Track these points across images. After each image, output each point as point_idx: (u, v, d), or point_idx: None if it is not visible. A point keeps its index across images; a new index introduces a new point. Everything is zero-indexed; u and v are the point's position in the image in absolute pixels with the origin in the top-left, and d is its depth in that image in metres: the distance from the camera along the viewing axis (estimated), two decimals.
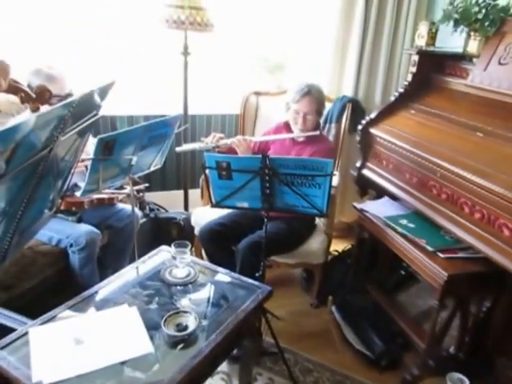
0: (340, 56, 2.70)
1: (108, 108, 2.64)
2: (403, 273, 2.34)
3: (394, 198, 2.10)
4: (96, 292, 1.50)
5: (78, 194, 1.76)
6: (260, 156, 1.54)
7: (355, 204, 2.13)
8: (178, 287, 1.55)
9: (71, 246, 1.96)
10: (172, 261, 1.61)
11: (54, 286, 2.03)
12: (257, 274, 1.75)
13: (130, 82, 2.75)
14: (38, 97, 1.13)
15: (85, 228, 1.99)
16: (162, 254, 1.75)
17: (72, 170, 1.16)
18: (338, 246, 2.63)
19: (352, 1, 2.61)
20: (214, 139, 2.05)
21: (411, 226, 1.87)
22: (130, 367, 1.18)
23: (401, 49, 2.72)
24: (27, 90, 1.11)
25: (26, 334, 1.25)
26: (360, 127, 2.20)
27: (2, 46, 2.31)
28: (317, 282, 2.33)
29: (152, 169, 1.94)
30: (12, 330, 1.33)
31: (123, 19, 2.62)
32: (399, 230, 1.84)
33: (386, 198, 2.17)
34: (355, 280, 2.30)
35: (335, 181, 2.28)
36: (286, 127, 2.16)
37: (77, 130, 0.93)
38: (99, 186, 1.69)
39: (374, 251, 2.31)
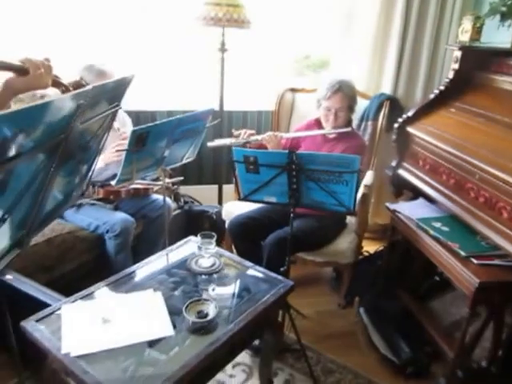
0: (379, 52, 2.66)
1: (148, 103, 2.81)
2: (437, 279, 2.28)
3: (429, 199, 2.05)
4: (125, 276, 1.61)
5: (113, 183, 1.87)
6: (287, 151, 1.57)
7: (388, 204, 2.11)
8: (203, 276, 1.62)
9: (107, 232, 2.09)
10: (198, 251, 1.68)
11: (90, 270, 2.17)
12: (281, 269, 1.78)
13: (170, 78, 2.86)
14: (77, 88, 1.23)
15: (120, 216, 2.11)
16: (190, 244, 1.83)
17: (97, 159, 1.25)
18: (371, 248, 2.61)
19: None
20: (245, 135, 2.10)
21: (445, 229, 1.83)
22: (151, 348, 1.26)
23: (445, 44, 2.64)
24: (67, 84, 1.21)
25: (59, 309, 1.37)
26: (396, 125, 2.17)
27: (50, 43, 2.50)
28: (345, 282, 2.33)
29: (184, 161, 2.02)
30: (48, 306, 1.46)
31: (163, 17, 2.73)
32: (432, 232, 1.81)
33: (421, 200, 2.13)
34: (385, 283, 2.27)
35: (369, 180, 2.27)
36: (318, 124, 2.18)
37: (96, 119, 1.01)
38: (133, 176, 1.78)
39: (406, 254, 2.27)
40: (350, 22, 2.68)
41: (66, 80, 1.24)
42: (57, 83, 1.19)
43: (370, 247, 2.63)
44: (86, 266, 2.18)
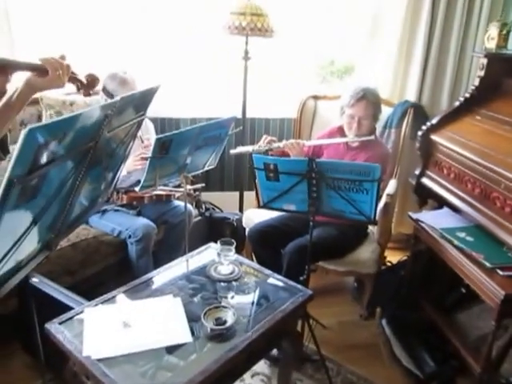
0: (404, 59, 2.64)
1: (172, 110, 2.88)
2: (463, 291, 2.23)
3: (454, 209, 2.02)
4: (146, 281, 1.64)
5: (136, 189, 1.92)
6: (307, 159, 1.58)
7: (411, 213, 2.08)
8: (222, 283, 1.64)
9: (129, 237, 2.14)
10: (218, 258, 1.70)
11: (113, 274, 2.23)
12: (301, 278, 1.78)
13: (194, 85, 2.92)
14: (89, 84, 1.30)
15: (142, 221, 2.17)
16: (210, 250, 1.86)
17: (122, 166, 1.29)
18: (396, 258, 2.57)
19: (418, 0, 2.55)
20: (266, 141, 2.12)
21: (469, 239, 1.79)
22: (170, 353, 1.28)
23: (471, 51, 2.60)
24: (82, 79, 1.28)
25: (81, 312, 1.41)
26: (420, 133, 2.15)
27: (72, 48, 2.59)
28: (367, 292, 2.30)
29: (206, 168, 2.05)
30: (71, 309, 1.51)
31: (188, 25, 2.79)
32: (456, 242, 1.77)
33: (445, 209, 2.09)
34: (409, 294, 2.23)
35: (391, 189, 2.25)
36: (340, 132, 2.17)
37: (123, 127, 1.05)
38: (156, 182, 1.83)
39: (431, 265, 2.23)
40: (375, 28, 2.67)
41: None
42: (73, 79, 1.25)
43: (393, 257, 2.59)
44: (108, 270, 2.24)
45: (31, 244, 0.85)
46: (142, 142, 2.10)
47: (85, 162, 0.84)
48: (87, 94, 1.30)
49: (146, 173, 1.75)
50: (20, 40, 2.38)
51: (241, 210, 3.00)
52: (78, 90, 1.29)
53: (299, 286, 1.61)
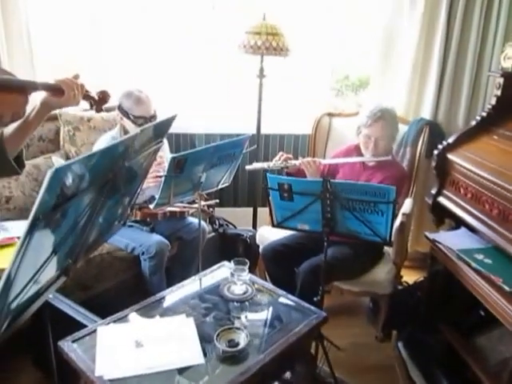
0: (419, 76, 2.64)
1: (187, 126, 2.92)
2: (482, 313, 2.18)
3: (472, 229, 1.99)
4: (159, 300, 1.65)
5: (151, 206, 1.95)
6: (321, 179, 1.58)
7: (427, 234, 2.06)
8: (235, 303, 1.64)
9: (143, 253, 2.16)
10: (231, 277, 1.70)
11: (126, 290, 2.24)
12: (315, 299, 1.77)
13: (208, 102, 2.97)
14: (101, 100, 1.35)
15: (156, 238, 2.19)
16: (224, 269, 1.86)
17: (138, 189, 1.32)
18: (412, 277, 2.54)
19: (433, 17, 2.56)
20: (282, 158, 2.13)
21: (488, 261, 1.76)
22: (182, 375, 1.28)
23: (488, 68, 2.59)
24: (94, 96, 1.33)
25: (94, 331, 1.43)
26: (436, 152, 2.13)
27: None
28: (383, 313, 2.27)
29: (220, 186, 2.08)
30: (84, 326, 1.53)
31: (204, 42, 2.85)
32: (473, 265, 1.74)
33: (463, 229, 2.06)
34: (426, 316, 2.20)
35: (407, 208, 2.23)
36: (357, 151, 2.17)
37: (141, 156, 1.08)
38: (170, 200, 1.86)
39: (448, 286, 2.19)
40: (390, 44, 2.68)
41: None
42: (86, 97, 1.30)
43: (410, 277, 2.55)
44: (121, 286, 2.25)
45: (50, 272, 0.87)
46: (155, 159, 2.13)
47: (104, 192, 0.87)
48: (99, 110, 1.34)
49: (160, 191, 1.78)
50: (39, 59, 2.46)
51: (254, 226, 3.01)
52: (91, 106, 1.34)
53: (313, 308, 1.60)
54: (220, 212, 3.00)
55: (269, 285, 1.77)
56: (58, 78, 1.20)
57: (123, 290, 2.25)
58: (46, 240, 0.77)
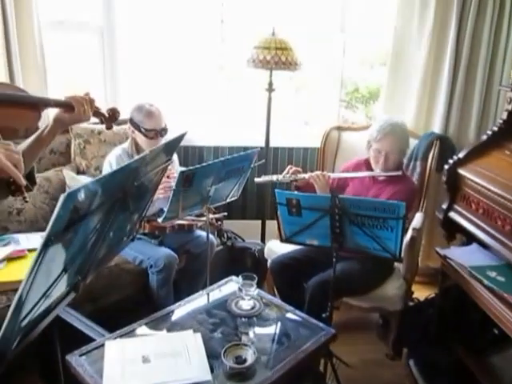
0: (429, 90, 2.65)
1: (196, 139, 2.95)
2: (496, 332, 2.15)
3: (484, 245, 1.97)
4: (167, 314, 1.66)
5: (159, 220, 1.97)
6: (329, 195, 1.59)
7: (438, 249, 2.04)
8: (243, 319, 1.64)
9: (151, 266, 2.17)
10: (239, 292, 1.70)
11: (133, 302, 2.25)
12: (323, 315, 1.77)
13: (217, 114, 3.01)
14: (111, 117, 1.38)
15: (164, 251, 2.20)
16: (231, 284, 1.87)
17: (147, 206, 1.34)
18: (423, 293, 2.51)
19: (444, 31, 2.58)
20: (291, 171, 2.14)
21: (500, 279, 1.74)
22: None
23: (498, 83, 2.59)
24: (104, 113, 1.37)
25: (102, 345, 1.44)
26: (447, 167, 2.13)
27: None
28: (393, 330, 2.25)
29: (228, 200, 2.09)
30: (92, 339, 1.54)
31: (214, 57, 2.90)
32: (485, 282, 1.73)
33: (474, 245, 2.04)
34: (438, 333, 2.17)
35: (418, 222, 2.22)
36: (367, 165, 2.18)
37: (151, 174, 1.10)
38: (179, 213, 1.88)
39: (460, 303, 2.17)
40: (400, 57, 2.69)
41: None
42: (97, 113, 1.34)
43: (421, 292, 2.53)
44: (129, 298, 2.26)
45: (60, 288, 0.89)
46: (165, 175, 2.16)
47: (114, 211, 0.89)
48: (109, 127, 1.38)
49: (169, 204, 1.79)
50: (52, 74, 2.52)
51: (263, 239, 3.01)
52: (102, 122, 1.38)
53: (321, 325, 1.60)
54: (228, 224, 3.00)
55: (277, 300, 1.77)
56: (68, 95, 1.24)
57: (130, 302, 2.26)
58: (57, 259, 0.79)
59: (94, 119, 1.35)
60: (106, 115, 1.36)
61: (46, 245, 0.70)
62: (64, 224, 0.73)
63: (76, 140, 2.52)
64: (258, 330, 1.60)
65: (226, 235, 2.91)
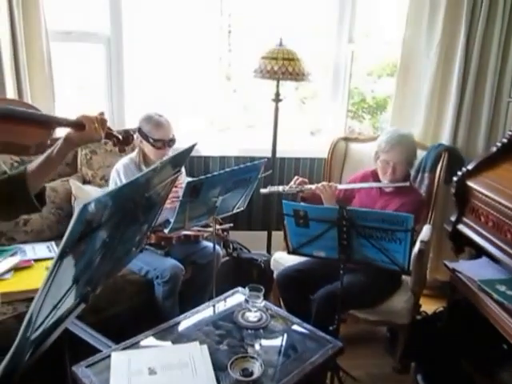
0: (437, 101, 2.66)
1: (202, 149, 2.98)
2: (505, 347, 2.13)
3: (494, 259, 1.97)
4: (173, 325, 1.67)
5: (166, 230, 1.98)
6: (337, 207, 1.60)
7: (447, 262, 2.05)
8: (249, 331, 1.64)
9: (157, 277, 2.18)
10: (245, 304, 1.71)
11: (138, 313, 2.26)
12: (330, 328, 1.77)
13: (224, 125, 3.04)
14: (124, 141, 1.39)
15: (170, 262, 2.21)
16: (238, 295, 1.87)
17: (157, 216, 1.36)
18: (431, 306, 2.50)
19: (452, 41, 2.59)
20: (297, 182, 2.16)
21: (510, 293, 1.74)
22: None
23: (508, 94, 2.60)
24: (118, 135, 1.38)
25: (108, 356, 1.45)
26: (455, 178, 2.14)
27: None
28: (401, 344, 2.24)
29: (235, 211, 2.11)
30: (97, 350, 1.55)
31: (220, 67, 2.94)
32: (495, 296, 1.73)
33: (484, 259, 2.05)
34: (446, 348, 2.16)
35: (426, 235, 2.22)
36: (374, 176, 2.19)
37: (160, 186, 1.12)
38: (185, 224, 1.90)
39: (469, 317, 2.16)
40: (408, 68, 2.71)
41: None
42: (109, 135, 1.35)
43: (429, 306, 2.52)
44: (134, 309, 2.27)
45: (70, 300, 0.90)
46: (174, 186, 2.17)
47: (124, 223, 0.91)
48: (122, 150, 1.39)
49: (175, 215, 1.82)
50: (59, 85, 2.57)
51: (268, 250, 3.02)
52: (115, 145, 1.38)
53: (328, 337, 1.60)
54: (234, 235, 3.01)
55: (283, 312, 1.78)
56: (79, 114, 1.25)
57: (135, 313, 2.26)
58: (68, 271, 0.80)
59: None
60: (120, 138, 1.36)
61: (61, 256, 0.71)
62: (78, 235, 0.74)
63: (82, 150, 2.56)
64: (265, 342, 1.60)
65: (231, 246, 2.92)
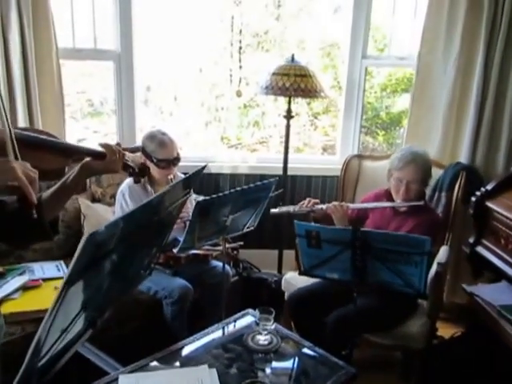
0: (455, 118, 2.66)
1: (213, 167, 3.03)
2: None
3: None
4: (182, 348, 1.69)
5: (175, 250, 2.01)
6: (350, 228, 1.62)
7: (465, 286, 2.04)
8: (259, 354, 1.65)
9: (165, 297, 2.21)
10: (256, 326, 1.72)
11: (148, 334, 2.28)
12: (343, 353, 1.77)
13: (235, 142, 3.10)
14: (140, 172, 1.42)
15: (179, 282, 2.23)
16: (248, 317, 1.89)
17: (166, 238, 1.36)
18: (448, 331, 2.48)
19: (471, 55, 2.59)
20: (309, 204, 2.18)
21: None
22: None
23: None
24: (134, 166, 1.39)
25: (116, 379, 1.47)
26: (474, 199, 2.15)
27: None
28: (417, 370, 2.22)
29: (245, 230, 2.14)
30: (105, 372, 1.57)
31: (230, 82, 3.01)
32: None
33: (504, 283, 2.04)
34: (464, 376, 2.14)
35: (443, 257, 2.22)
36: (387, 195, 2.20)
37: (169, 209, 1.15)
38: (195, 244, 1.93)
39: (489, 344, 2.14)
40: (424, 83, 2.71)
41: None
42: (126, 166, 1.37)
43: (445, 330, 2.50)
44: (144, 329, 2.29)
45: (78, 326, 0.93)
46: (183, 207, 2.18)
47: (133, 248, 0.93)
48: (138, 181, 1.42)
49: (184, 235, 1.84)
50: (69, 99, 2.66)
51: (280, 269, 3.03)
52: (130, 175, 1.40)
53: (341, 363, 1.60)
54: (244, 254, 3.01)
55: (295, 335, 1.79)
56: (101, 142, 1.27)
57: (145, 333, 2.28)
58: (76, 298, 0.82)
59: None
60: (136, 169, 1.38)
61: (68, 283, 0.72)
62: (85, 262, 0.76)
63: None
64: (275, 366, 1.61)
65: (241, 265, 2.94)
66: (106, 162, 1.24)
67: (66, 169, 1.23)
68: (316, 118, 3.53)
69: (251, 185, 1.93)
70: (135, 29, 2.78)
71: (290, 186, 3.04)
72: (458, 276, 2.70)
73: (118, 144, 1.31)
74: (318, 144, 3.38)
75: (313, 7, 3.14)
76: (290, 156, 2.82)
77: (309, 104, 3.44)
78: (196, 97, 3.01)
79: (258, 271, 3.02)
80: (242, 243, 2.55)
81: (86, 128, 3.16)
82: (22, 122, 2.42)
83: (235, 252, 2.66)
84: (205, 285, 2.40)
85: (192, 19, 2.91)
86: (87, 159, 1.25)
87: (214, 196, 1.80)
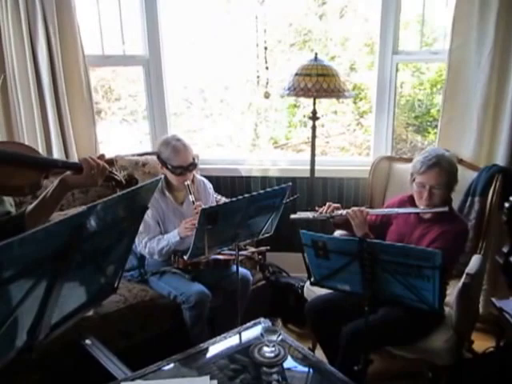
0: (491, 116, 2.46)
1: (243, 170, 3.00)
2: None
3: None
4: (188, 356, 1.69)
5: (185, 257, 2.02)
6: (357, 238, 1.54)
7: (494, 300, 1.89)
8: (265, 368, 1.62)
9: (183, 302, 2.21)
10: (262, 338, 1.69)
11: (170, 339, 2.30)
12: (355, 368, 1.69)
13: (264, 145, 3.07)
14: (127, 184, 1.39)
15: (196, 287, 2.23)
16: (259, 327, 1.85)
17: (126, 256, 1.26)
18: (485, 343, 2.31)
19: (506, 50, 2.40)
20: (329, 209, 2.11)
21: None
22: None
23: None
24: (118, 178, 1.39)
25: None
26: (507, 205, 1.98)
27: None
28: None
29: (261, 236, 2.10)
30: (113, 377, 1.61)
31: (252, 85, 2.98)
32: None
33: None
34: None
35: (473, 267, 2.06)
36: (411, 201, 2.07)
37: (117, 227, 1.08)
38: (205, 251, 1.91)
39: None
40: (458, 80, 2.55)
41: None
42: (109, 178, 1.35)
43: (482, 342, 2.33)
44: (165, 334, 2.32)
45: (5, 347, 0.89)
46: (195, 208, 2.16)
47: (57, 271, 0.85)
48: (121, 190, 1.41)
49: (192, 243, 1.83)
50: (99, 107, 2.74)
51: (309, 274, 2.95)
52: (114, 188, 1.39)
53: (347, 380, 1.53)
54: (273, 257, 2.97)
55: (302, 348, 1.73)
56: (80, 157, 1.28)
57: (166, 338, 2.31)
58: None
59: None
60: (123, 181, 1.37)
61: None
62: None
63: (120, 173, 2.66)
64: (281, 381, 1.57)
65: (269, 269, 2.90)
66: (84, 175, 1.24)
67: (44, 182, 1.24)
68: (362, 116, 3.40)
69: (261, 191, 1.89)
70: (163, 33, 2.81)
71: (318, 187, 2.96)
72: (496, 286, 2.51)
73: (102, 156, 1.31)
74: (364, 143, 3.26)
75: (356, 4, 3.03)
76: (322, 158, 2.74)
77: (355, 103, 3.32)
78: (224, 99, 3.01)
79: (287, 275, 2.97)
80: (268, 247, 2.52)
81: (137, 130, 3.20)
82: (52, 127, 2.53)
83: (260, 257, 2.63)
84: (226, 291, 2.38)
85: (217, 21, 2.91)
86: (67, 173, 1.26)
87: (221, 203, 1.78)
